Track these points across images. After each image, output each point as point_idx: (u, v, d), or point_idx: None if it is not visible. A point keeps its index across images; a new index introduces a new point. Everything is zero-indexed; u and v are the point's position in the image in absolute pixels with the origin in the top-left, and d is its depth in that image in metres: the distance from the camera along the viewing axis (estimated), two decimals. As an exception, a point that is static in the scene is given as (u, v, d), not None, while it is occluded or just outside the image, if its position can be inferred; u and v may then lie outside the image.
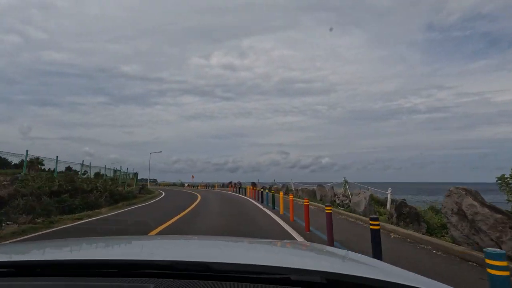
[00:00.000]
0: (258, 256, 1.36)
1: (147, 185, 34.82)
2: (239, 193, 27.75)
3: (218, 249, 1.51)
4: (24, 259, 1.09)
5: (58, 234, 6.93)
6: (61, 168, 15.62)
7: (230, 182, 41.96)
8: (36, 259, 1.09)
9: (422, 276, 1.01)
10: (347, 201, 12.39)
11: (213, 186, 42.11)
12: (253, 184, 33.75)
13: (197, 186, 43.14)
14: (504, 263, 2.12)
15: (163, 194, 25.95)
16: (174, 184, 56.73)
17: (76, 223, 8.70)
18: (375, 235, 3.89)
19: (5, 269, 0.95)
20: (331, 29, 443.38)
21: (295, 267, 0.94)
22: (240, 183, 37.48)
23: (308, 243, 2.49)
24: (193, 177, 49.46)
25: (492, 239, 4.54)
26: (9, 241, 6.02)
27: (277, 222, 8.64)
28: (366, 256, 1.45)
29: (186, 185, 49.29)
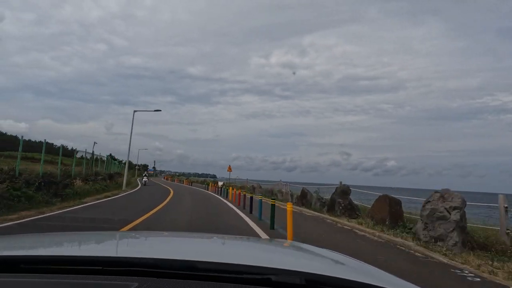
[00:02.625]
0: (241, 254, 1.36)
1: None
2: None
3: (201, 247, 1.49)
4: (6, 254, 1.03)
5: None
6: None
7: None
8: (19, 254, 1.05)
9: (401, 279, 1.07)
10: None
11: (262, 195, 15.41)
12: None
13: (226, 188, 22.14)
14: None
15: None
16: (204, 182, 46.09)
17: None
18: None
19: None
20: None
21: (276, 267, 0.94)
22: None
23: (288, 241, 2.49)
24: (229, 169, 30.81)
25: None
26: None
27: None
28: (345, 256, 1.44)
29: (220, 184, 36.29)
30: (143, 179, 28.76)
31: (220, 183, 35.70)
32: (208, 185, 30.68)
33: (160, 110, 25.21)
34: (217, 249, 1.47)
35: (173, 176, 73.68)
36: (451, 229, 5.25)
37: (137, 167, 76.69)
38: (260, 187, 23.01)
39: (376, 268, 1.21)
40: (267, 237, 6.58)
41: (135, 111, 24.35)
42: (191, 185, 38.12)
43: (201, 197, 19.46)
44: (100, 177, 24.29)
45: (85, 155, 23.75)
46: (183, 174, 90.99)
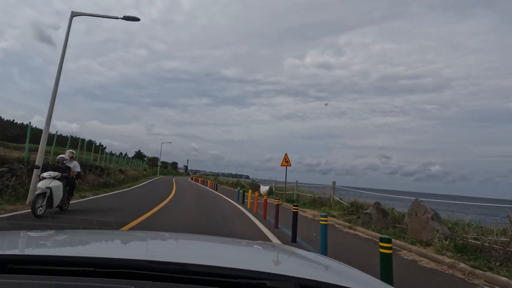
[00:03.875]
0: (236, 258, 1.32)
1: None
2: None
3: (198, 249, 1.46)
4: None
5: None
6: None
7: None
8: (7, 253, 0.98)
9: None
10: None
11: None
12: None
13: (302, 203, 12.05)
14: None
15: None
16: (237, 184, 30.80)
17: None
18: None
19: None
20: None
21: (271, 272, 0.92)
22: None
23: (283, 246, 2.32)
24: (286, 162, 15.50)
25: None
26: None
27: None
28: (340, 263, 1.43)
29: (265, 190, 20.13)
30: (39, 184, 7.05)
31: (264, 189, 20.42)
32: (244, 191, 15.29)
33: (138, 19, 10.95)
34: (213, 252, 1.44)
35: (201, 176, 61.39)
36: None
37: (159, 163, 65.01)
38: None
39: (371, 276, 1.21)
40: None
41: (73, 15, 10.33)
42: (216, 190, 23.37)
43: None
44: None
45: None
46: (217, 174, 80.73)
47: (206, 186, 29.21)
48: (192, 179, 49.06)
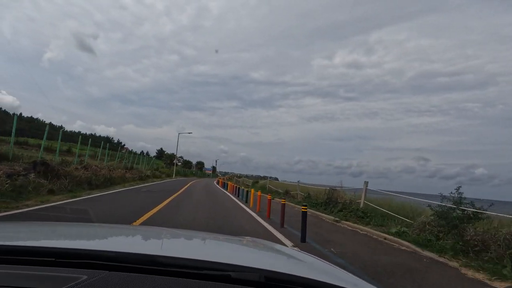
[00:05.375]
0: (203, 250, 1.34)
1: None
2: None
3: (165, 241, 1.47)
4: None
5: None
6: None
7: None
8: None
9: (360, 279, 1.07)
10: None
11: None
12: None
13: None
14: None
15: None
16: (332, 201, 15.65)
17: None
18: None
19: None
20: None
21: (237, 264, 0.92)
22: None
23: (252, 239, 2.23)
24: None
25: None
26: None
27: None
28: (309, 255, 1.46)
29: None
30: None
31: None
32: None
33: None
34: (180, 244, 1.44)
35: (231, 178, 46.68)
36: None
37: (176, 161, 51.41)
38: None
39: (339, 268, 1.23)
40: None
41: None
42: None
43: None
44: None
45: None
46: (246, 176, 66.62)
47: (244, 203, 13.90)
48: (218, 183, 34.05)
